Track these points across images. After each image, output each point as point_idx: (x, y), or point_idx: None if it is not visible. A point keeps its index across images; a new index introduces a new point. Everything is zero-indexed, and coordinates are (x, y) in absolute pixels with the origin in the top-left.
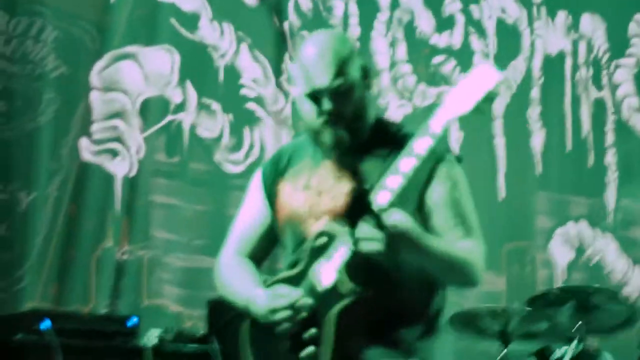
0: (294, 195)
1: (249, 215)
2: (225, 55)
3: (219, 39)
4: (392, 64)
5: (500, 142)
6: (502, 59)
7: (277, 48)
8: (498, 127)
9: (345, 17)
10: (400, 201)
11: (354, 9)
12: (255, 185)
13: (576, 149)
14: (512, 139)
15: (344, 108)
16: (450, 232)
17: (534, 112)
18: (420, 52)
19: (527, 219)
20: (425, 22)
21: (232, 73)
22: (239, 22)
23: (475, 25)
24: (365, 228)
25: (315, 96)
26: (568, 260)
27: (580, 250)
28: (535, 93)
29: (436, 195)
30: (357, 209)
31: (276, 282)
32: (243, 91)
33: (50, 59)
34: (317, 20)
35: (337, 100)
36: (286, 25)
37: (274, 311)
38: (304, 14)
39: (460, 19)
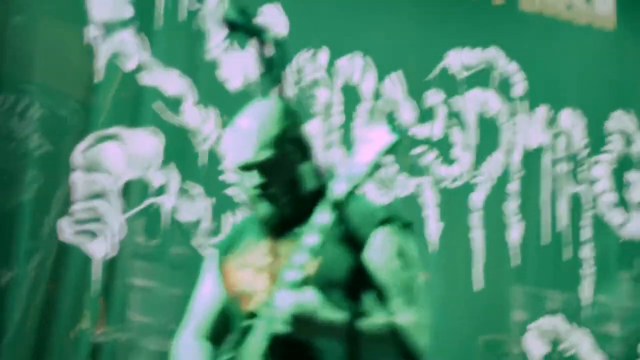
0: (236, 274)
1: (204, 294)
2: (208, 139)
3: (202, 123)
4: None
5: (478, 234)
6: (483, 151)
7: None
8: (476, 219)
9: (329, 105)
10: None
11: (337, 98)
12: (210, 263)
13: (553, 243)
14: (490, 231)
15: (274, 181)
16: (389, 302)
17: (512, 205)
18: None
19: (503, 311)
20: (406, 113)
21: (214, 157)
22: (222, 107)
23: (456, 117)
24: (272, 307)
25: (245, 170)
26: (543, 354)
27: (555, 344)
28: (513, 186)
29: (370, 264)
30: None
31: None
32: (224, 176)
33: (34, 137)
34: (299, 107)
35: (266, 174)
36: None
37: None
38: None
39: (441, 111)
